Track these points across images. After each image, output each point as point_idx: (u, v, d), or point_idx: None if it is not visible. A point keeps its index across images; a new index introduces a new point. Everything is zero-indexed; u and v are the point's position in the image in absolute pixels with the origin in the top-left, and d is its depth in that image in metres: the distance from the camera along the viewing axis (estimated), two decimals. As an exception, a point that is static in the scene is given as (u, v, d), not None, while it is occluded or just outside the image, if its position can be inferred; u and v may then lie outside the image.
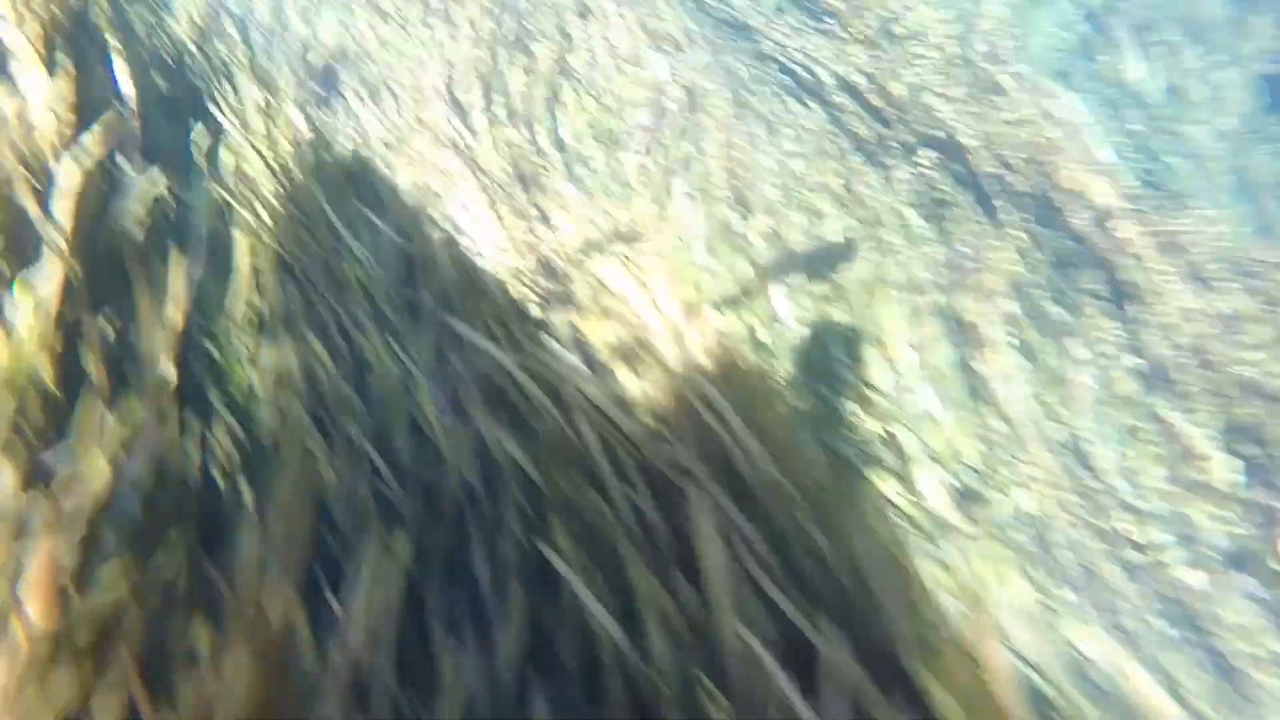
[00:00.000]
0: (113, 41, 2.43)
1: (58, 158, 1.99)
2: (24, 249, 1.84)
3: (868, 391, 2.38)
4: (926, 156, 2.89)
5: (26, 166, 1.97)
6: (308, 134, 2.59)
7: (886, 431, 2.28)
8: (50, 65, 2.17)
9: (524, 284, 2.16)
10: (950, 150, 2.86)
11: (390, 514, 1.77)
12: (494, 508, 1.64)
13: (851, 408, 2.33)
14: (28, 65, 2.10)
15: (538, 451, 1.58)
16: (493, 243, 2.34)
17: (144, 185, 2.17)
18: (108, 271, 1.98)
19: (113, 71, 2.36)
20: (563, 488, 1.48)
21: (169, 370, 1.86)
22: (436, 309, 2.10)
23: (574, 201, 2.55)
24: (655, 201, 2.62)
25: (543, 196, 2.52)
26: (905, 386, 2.44)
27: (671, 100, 2.85)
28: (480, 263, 2.22)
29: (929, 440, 2.29)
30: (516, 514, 1.57)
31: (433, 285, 2.16)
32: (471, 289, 2.14)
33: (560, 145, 2.66)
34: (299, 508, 1.70)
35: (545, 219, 2.48)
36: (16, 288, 1.70)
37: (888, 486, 2.05)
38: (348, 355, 2.09)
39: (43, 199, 1.95)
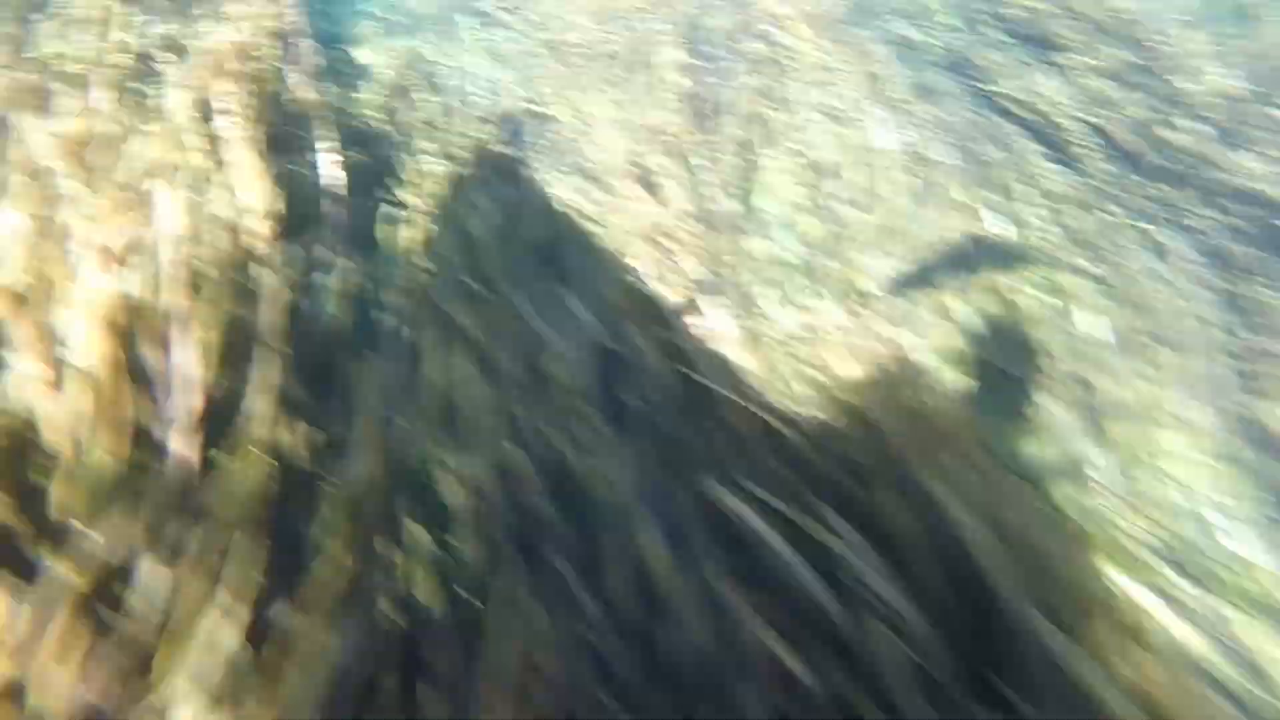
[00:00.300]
0: (312, 123, 2.39)
1: (265, 257, 1.93)
2: (238, 357, 1.77)
3: (1159, 532, 1.93)
4: (1215, 217, 2.38)
5: (237, 267, 1.91)
6: (498, 210, 2.46)
7: (1196, 582, 1.83)
8: (257, 156, 2.13)
9: (749, 388, 1.88)
10: (1250, 208, 2.33)
11: (609, 679, 1.54)
12: (738, 698, 1.37)
13: (1139, 551, 1.89)
14: (240, 158, 2.06)
15: (799, 641, 1.30)
16: (706, 334, 2.09)
17: (341, 277, 2.09)
18: (311, 376, 1.89)
19: (312, 155, 2.32)
20: (848, 705, 1.19)
21: (372, 490, 1.74)
22: (651, 418, 1.88)
23: (790, 285, 2.25)
24: (882, 283, 2.29)
25: (755, 280, 2.25)
26: (1201, 522, 1.97)
27: (892, 163, 2.50)
28: (695, 359, 1.97)
29: (1254, 597, 1.81)
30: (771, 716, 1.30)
31: (644, 388, 1.94)
32: (689, 396, 1.89)
33: (771, 220, 2.38)
34: (510, 663, 1.51)
35: (757, 306, 2.20)
36: (240, 422, 1.61)
37: (1225, 670, 1.60)
38: (551, 470, 1.89)
39: (253, 300, 1.88)
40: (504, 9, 3.36)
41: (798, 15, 2.87)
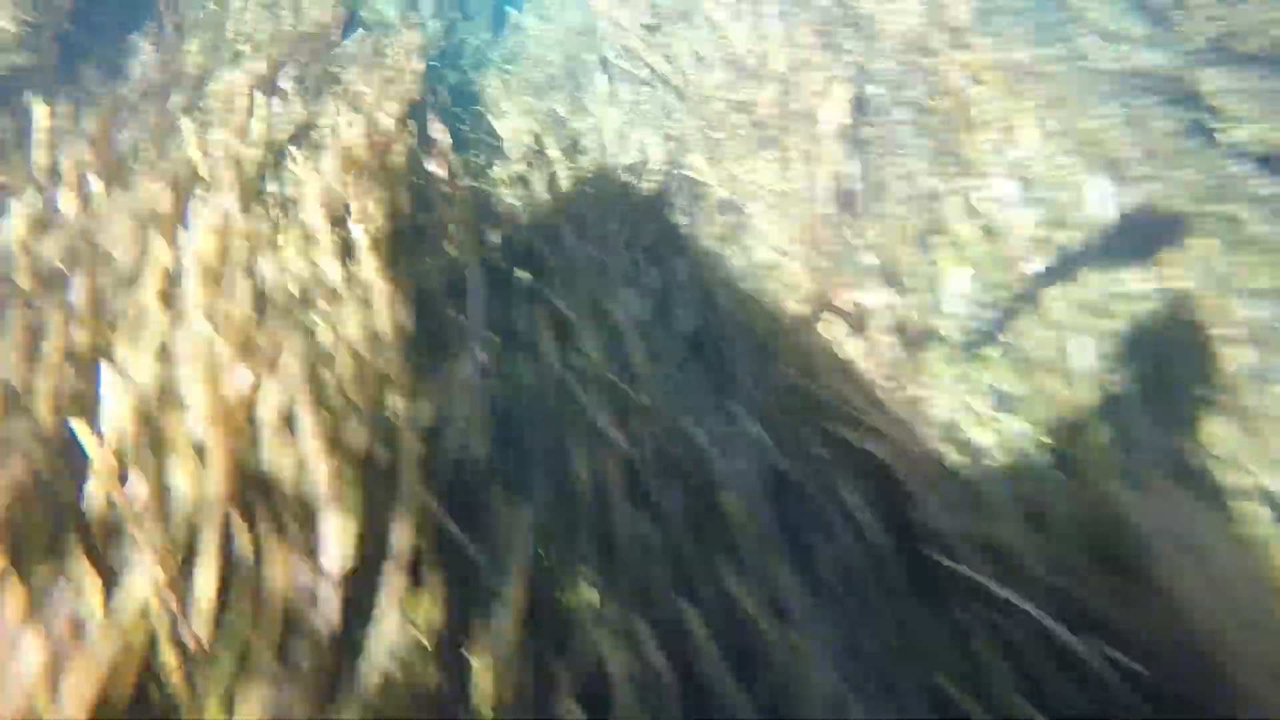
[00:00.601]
0: (448, 213, 2.20)
1: (401, 381, 1.73)
2: (378, 505, 1.56)
3: None
4: None
5: (372, 398, 1.71)
6: (646, 299, 2.19)
7: None
8: (389, 265, 1.93)
9: (987, 546, 1.51)
10: None
11: None
12: None
13: None
14: (371, 269, 1.86)
15: None
16: (905, 456, 1.73)
17: (482, 395, 1.86)
18: (456, 515, 1.66)
19: (449, 250, 2.13)
20: None
21: (524, 655, 1.48)
22: (855, 574, 1.54)
23: (996, 387, 1.87)
24: (1106, 390, 1.86)
25: (950, 380, 1.88)
26: None
27: (1104, 231, 2.08)
28: (899, 495, 1.62)
29: None
30: None
31: (837, 531, 1.60)
32: (901, 550, 1.54)
33: (961, 309, 2.00)
34: None
35: (960, 415, 1.83)
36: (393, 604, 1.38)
37: None
38: (726, 626, 1.58)
39: (391, 434, 1.67)
40: (635, 58, 3.13)
41: (982, 58, 2.48)
